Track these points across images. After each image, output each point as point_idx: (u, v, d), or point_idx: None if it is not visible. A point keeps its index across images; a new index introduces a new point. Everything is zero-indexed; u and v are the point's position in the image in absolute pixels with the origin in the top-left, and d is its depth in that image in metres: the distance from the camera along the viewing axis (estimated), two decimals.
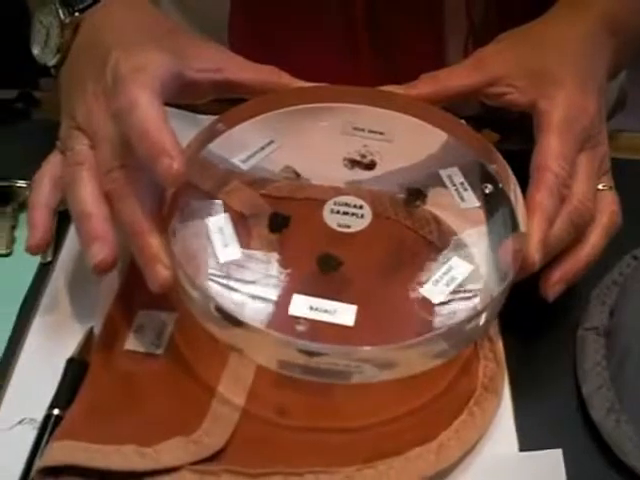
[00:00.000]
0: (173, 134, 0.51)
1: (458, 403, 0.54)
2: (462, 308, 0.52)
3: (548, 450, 0.53)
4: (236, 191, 0.59)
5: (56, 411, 0.53)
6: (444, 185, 0.58)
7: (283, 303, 0.51)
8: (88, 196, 0.53)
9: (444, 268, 0.54)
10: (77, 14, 0.60)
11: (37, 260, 0.61)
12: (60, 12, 0.61)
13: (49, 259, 0.61)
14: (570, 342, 0.59)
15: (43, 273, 0.61)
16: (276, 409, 0.53)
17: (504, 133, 0.73)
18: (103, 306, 0.58)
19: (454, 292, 0.53)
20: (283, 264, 0.54)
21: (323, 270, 0.54)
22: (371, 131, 0.61)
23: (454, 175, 0.58)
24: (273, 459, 0.51)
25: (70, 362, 0.55)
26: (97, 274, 0.53)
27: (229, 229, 0.55)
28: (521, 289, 0.54)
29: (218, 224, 0.55)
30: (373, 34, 0.71)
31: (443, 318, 0.52)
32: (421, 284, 0.53)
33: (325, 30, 0.71)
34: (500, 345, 0.57)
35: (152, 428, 0.51)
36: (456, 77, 0.60)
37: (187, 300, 0.52)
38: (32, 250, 0.56)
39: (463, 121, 0.60)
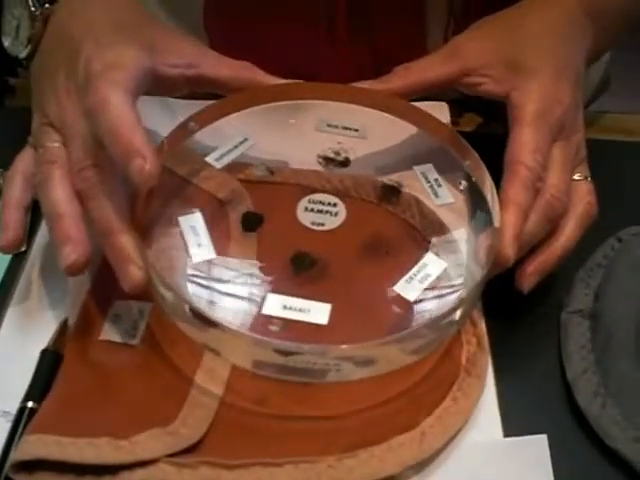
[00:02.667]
0: (145, 134, 0.50)
1: (441, 389, 0.53)
2: (437, 305, 0.52)
3: (533, 436, 0.53)
4: (212, 177, 0.59)
5: (30, 404, 0.52)
6: (419, 181, 0.58)
7: (257, 303, 0.51)
8: (60, 196, 0.53)
9: (418, 265, 0.54)
10: (47, 5, 0.60)
11: None
12: (30, 3, 0.60)
13: (23, 249, 0.60)
14: (554, 325, 0.59)
15: (16, 263, 0.60)
16: (255, 398, 0.52)
17: (487, 116, 0.73)
18: (77, 296, 0.56)
19: (429, 288, 0.53)
20: (257, 263, 0.54)
21: (297, 269, 0.53)
22: (345, 127, 0.61)
23: (428, 171, 0.59)
24: (253, 449, 0.50)
25: (44, 353, 0.54)
26: (68, 275, 0.53)
27: (202, 228, 0.54)
28: (504, 273, 0.54)
29: (191, 223, 0.55)
30: (353, 20, 0.71)
31: (418, 315, 0.52)
32: (395, 281, 0.53)
33: (304, 16, 0.71)
34: (483, 329, 0.56)
35: (128, 420, 0.50)
36: (430, 68, 0.60)
37: (160, 300, 0.52)
38: (4, 250, 0.56)
39: (447, 120, 0.62)
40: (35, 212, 0.59)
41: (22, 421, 0.51)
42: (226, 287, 0.53)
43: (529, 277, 0.56)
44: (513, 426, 0.53)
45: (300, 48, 0.71)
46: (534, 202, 0.55)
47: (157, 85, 0.56)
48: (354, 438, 0.51)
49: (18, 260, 0.60)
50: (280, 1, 0.70)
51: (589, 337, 0.57)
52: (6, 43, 0.62)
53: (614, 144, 0.72)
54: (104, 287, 0.55)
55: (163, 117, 0.63)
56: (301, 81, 0.61)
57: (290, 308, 0.51)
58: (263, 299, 0.51)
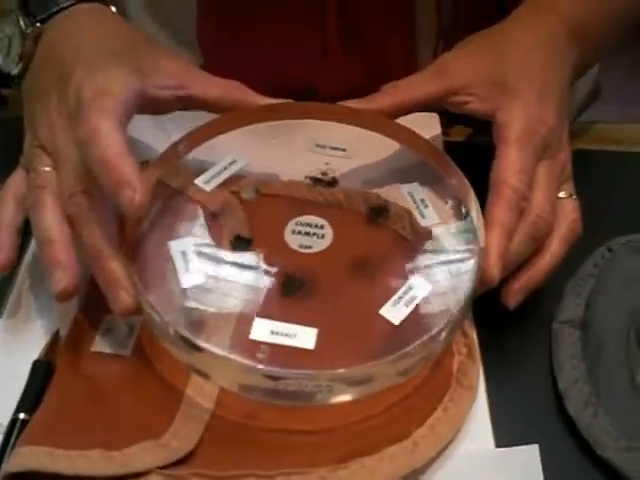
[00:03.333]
0: (134, 164, 0.51)
1: (432, 399, 0.53)
2: (424, 326, 0.52)
3: (524, 446, 0.53)
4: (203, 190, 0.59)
5: (22, 415, 0.52)
6: (406, 201, 0.58)
7: (245, 327, 0.51)
8: (50, 221, 0.53)
9: (404, 287, 0.54)
10: (38, 24, 0.60)
11: None
12: (21, 22, 0.60)
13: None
14: (545, 335, 0.59)
15: (8, 275, 0.59)
16: (246, 412, 0.52)
17: (477, 127, 0.73)
18: (69, 307, 0.56)
19: (416, 309, 0.53)
20: (245, 287, 0.54)
21: (285, 292, 0.54)
22: (333, 148, 0.61)
23: (415, 191, 0.59)
24: (244, 461, 0.50)
25: (36, 365, 0.54)
26: (59, 301, 0.53)
27: (192, 252, 0.54)
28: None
29: (181, 248, 0.55)
30: (344, 33, 0.71)
31: (406, 337, 0.51)
32: (382, 304, 0.53)
33: (297, 30, 0.71)
34: (474, 339, 0.56)
35: (120, 431, 0.50)
36: (418, 87, 0.60)
37: (149, 322, 0.52)
38: None
39: (438, 135, 0.63)
40: (26, 224, 0.59)
41: (14, 433, 0.51)
42: (214, 312, 0.53)
43: (515, 294, 0.56)
44: (505, 436, 0.53)
45: (292, 62, 0.71)
46: (519, 222, 0.55)
47: (148, 106, 0.57)
48: (346, 449, 0.51)
49: (10, 272, 0.59)
50: (272, 15, 0.70)
51: (580, 347, 0.57)
52: None
53: (604, 154, 0.72)
54: (96, 298, 0.55)
55: (152, 128, 0.63)
56: (290, 101, 0.61)
57: (277, 333, 0.51)
58: (251, 323, 0.51)
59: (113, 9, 0.63)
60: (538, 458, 0.52)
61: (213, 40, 0.74)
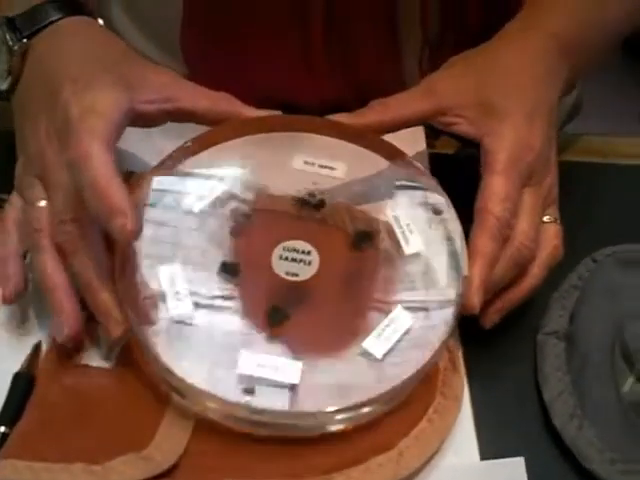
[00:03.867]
0: (124, 189, 0.51)
1: (417, 411, 0.53)
2: (405, 360, 0.52)
3: (510, 458, 0.52)
4: None
5: (2, 428, 0.51)
6: (391, 226, 0.58)
7: (231, 361, 0.51)
8: (50, 268, 0.53)
9: (386, 320, 0.54)
10: (25, 40, 0.59)
11: None
12: (7, 37, 0.60)
13: None
14: (530, 347, 0.59)
15: None
16: (228, 417, 0.51)
17: (464, 140, 0.73)
18: (51, 319, 0.55)
19: (398, 343, 0.53)
20: (231, 317, 0.54)
21: (271, 324, 0.53)
22: (322, 166, 0.60)
23: (401, 215, 0.58)
24: (229, 473, 0.50)
25: (17, 377, 0.53)
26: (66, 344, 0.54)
27: (181, 279, 0.54)
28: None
29: (171, 274, 0.54)
30: (329, 48, 0.71)
31: (387, 372, 0.52)
32: (364, 337, 0.53)
33: (280, 43, 0.71)
34: (459, 354, 0.57)
35: (102, 444, 0.50)
36: (406, 105, 0.60)
37: (138, 346, 0.53)
38: (8, 301, 0.56)
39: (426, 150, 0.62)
40: None
41: None
42: (199, 342, 0.52)
43: (492, 315, 0.57)
44: (490, 449, 0.53)
45: (277, 75, 0.71)
46: (503, 249, 0.55)
47: (137, 120, 0.57)
48: (332, 460, 0.50)
49: None
50: (257, 28, 0.70)
51: (565, 359, 0.57)
52: None
53: (589, 166, 0.72)
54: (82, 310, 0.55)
55: (139, 140, 0.63)
56: (279, 112, 0.61)
57: (263, 366, 0.51)
58: (237, 356, 0.51)
59: (100, 22, 0.63)
60: (524, 471, 0.52)
61: (197, 51, 0.73)
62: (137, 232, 0.51)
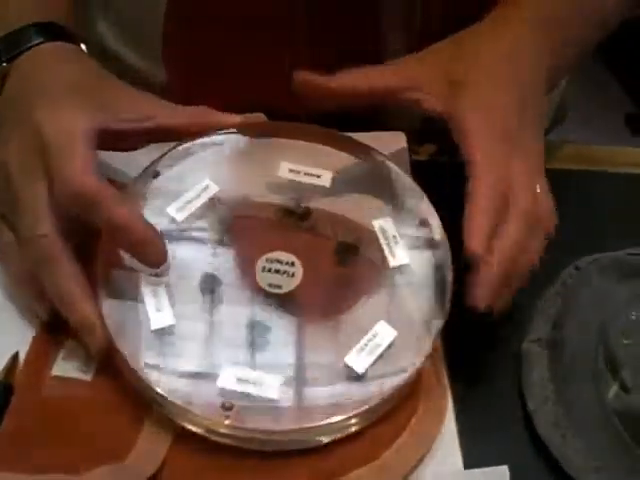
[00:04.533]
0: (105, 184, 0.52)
1: (400, 423, 0.52)
2: (388, 374, 0.52)
3: (494, 467, 0.52)
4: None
5: None
6: (376, 237, 0.58)
7: (212, 375, 0.51)
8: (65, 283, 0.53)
9: (369, 335, 0.53)
10: (4, 64, 0.59)
11: None
12: None
13: None
14: (514, 355, 0.59)
15: None
16: (208, 431, 0.51)
17: (445, 147, 0.73)
18: (29, 329, 0.55)
19: (380, 357, 0.53)
20: (212, 332, 0.53)
21: (252, 338, 0.53)
22: (307, 174, 0.60)
23: (387, 226, 0.58)
24: None
25: None
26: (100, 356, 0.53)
27: (163, 292, 0.53)
28: (463, 302, 0.54)
29: (153, 286, 0.54)
30: (314, 57, 0.70)
31: (369, 387, 0.52)
32: (347, 351, 0.52)
33: (264, 47, 0.70)
34: (442, 364, 0.56)
35: (81, 455, 0.50)
36: (375, 77, 0.60)
37: (118, 360, 0.52)
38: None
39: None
40: None
41: None
42: (180, 356, 0.52)
43: (507, 295, 0.55)
44: (474, 458, 0.53)
45: (260, 81, 0.71)
46: (507, 213, 0.54)
47: (114, 142, 0.56)
48: (313, 472, 0.50)
49: None
50: (240, 37, 0.70)
51: (549, 367, 0.57)
52: None
53: (572, 174, 0.73)
54: (57, 321, 0.54)
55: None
56: (261, 114, 0.61)
57: (244, 380, 0.50)
58: (218, 370, 0.51)
59: (83, 47, 0.62)
60: (508, 479, 0.51)
61: (179, 60, 0.73)
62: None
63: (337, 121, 0.65)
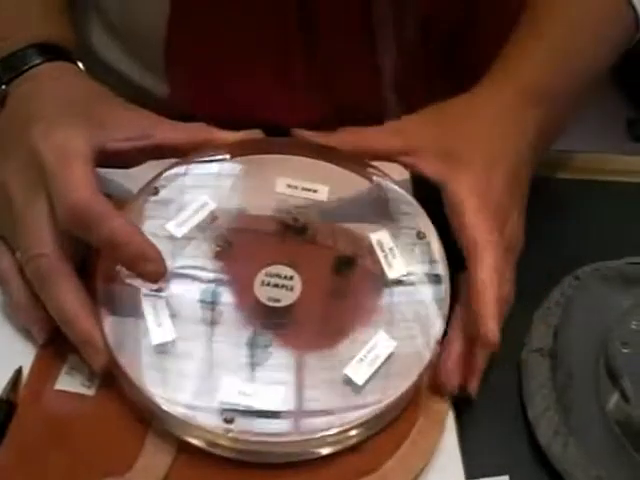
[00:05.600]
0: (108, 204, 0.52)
1: (401, 433, 0.53)
2: (388, 385, 0.52)
3: (495, 477, 0.52)
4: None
5: None
6: (374, 250, 0.58)
7: (213, 388, 0.51)
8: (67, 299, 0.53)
9: (368, 346, 0.53)
10: (4, 87, 0.59)
11: None
12: None
13: None
14: (514, 364, 0.59)
15: None
16: (210, 444, 0.51)
17: None
18: (32, 345, 0.56)
19: (380, 369, 0.53)
20: (213, 346, 0.53)
21: (253, 351, 0.53)
22: (305, 189, 0.61)
23: (384, 239, 0.58)
24: None
25: None
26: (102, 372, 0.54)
27: (164, 308, 0.54)
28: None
29: (153, 301, 0.54)
30: (309, 68, 0.71)
31: (369, 398, 0.52)
32: (346, 363, 0.53)
33: (262, 62, 0.71)
34: None
35: (83, 469, 0.50)
36: (374, 139, 0.61)
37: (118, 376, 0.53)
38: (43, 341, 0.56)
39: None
40: None
41: None
42: (181, 370, 0.52)
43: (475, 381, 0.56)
44: (475, 467, 0.53)
45: (258, 93, 0.71)
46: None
47: (112, 160, 0.57)
48: None
49: None
50: (238, 48, 0.70)
51: (549, 376, 0.57)
52: None
53: (572, 183, 0.73)
54: (59, 337, 0.54)
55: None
56: (258, 131, 0.61)
57: (245, 394, 0.51)
58: (218, 384, 0.51)
59: (80, 65, 0.63)
60: None
61: (180, 70, 0.73)
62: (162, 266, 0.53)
63: (332, 130, 0.65)
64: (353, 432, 0.51)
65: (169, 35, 0.71)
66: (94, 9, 0.76)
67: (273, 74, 0.71)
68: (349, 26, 0.69)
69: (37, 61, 0.60)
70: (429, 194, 0.60)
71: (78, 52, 0.64)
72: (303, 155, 0.61)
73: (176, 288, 0.55)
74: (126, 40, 0.76)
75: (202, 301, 0.55)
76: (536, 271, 0.63)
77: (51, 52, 0.61)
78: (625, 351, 0.57)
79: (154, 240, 0.54)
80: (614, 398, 0.56)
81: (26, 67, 0.59)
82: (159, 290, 0.54)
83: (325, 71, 0.71)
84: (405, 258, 0.57)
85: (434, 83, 0.73)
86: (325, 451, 0.51)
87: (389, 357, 0.53)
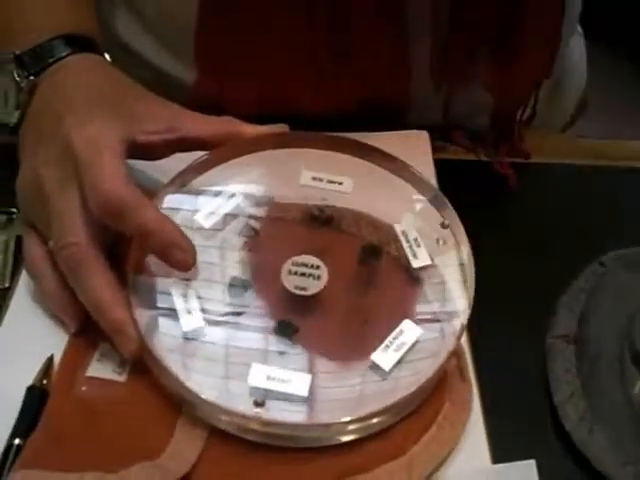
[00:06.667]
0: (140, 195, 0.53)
1: (427, 418, 0.53)
2: (414, 371, 0.53)
3: (521, 461, 0.53)
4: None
5: (17, 440, 0.51)
6: (399, 240, 0.59)
7: (242, 372, 0.52)
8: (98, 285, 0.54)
9: (395, 332, 0.54)
10: (32, 78, 0.60)
11: None
12: (15, 74, 0.61)
13: (7, 285, 0.60)
14: (540, 351, 0.59)
15: (1, 299, 0.59)
16: (240, 428, 0.52)
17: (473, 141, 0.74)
18: (63, 333, 0.57)
19: (406, 355, 0.54)
20: (241, 332, 0.54)
21: (280, 338, 0.54)
22: (330, 181, 0.61)
23: (408, 230, 0.59)
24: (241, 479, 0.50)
25: (30, 390, 0.54)
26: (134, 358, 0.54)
27: (193, 295, 0.55)
28: (488, 299, 0.55)
29: (183, 290, 0.55)
30: (337, 54, 0.71)
31: (396, 383, 0.52)
32: (373, 349, 0.53)
33: (289, 50, 0.71)
34: (467, 361, 0.57)
35: (116, 454, 0.51)
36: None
37: (150, 362, 0.54)
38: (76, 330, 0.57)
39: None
40: (21, 247, 0.59)
41: (9, 458, 0.51)
42: (211, 356, 0.53)
43: None
44: (501, 452, 0.53)
45: (286, 78, 0.72)
46: None
47: (142, 153, 0.58)
48: (342, 467, 0.51)
49: (2, 297, 0.59)
50: (267, 35, 0.70)
51: (574, 362, 0.57)
52: None
53: (596, 169, 0.73)
54: (90, 324, 0.55)
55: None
56: (284, 125, 0.62)
57: (273, 379, 0.51)
58: (248, 370, 0.52)
59: (107, 57, 0.63)
60: (535, 474, 0.52)
61: (209, 55, 0.73)
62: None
63: (358, 119, 0.66)
64: (379, 418, 0.51)
65: (199, 23, 0.70)
66: None
67: (301, 62, 0.71)
68: (380, 13, 0.69)
69: (64, 53, 0.60)
70: (453, 184, 0.61)
71: (104, 41, 0.65)
72: (327, 149, 0.62)
73: (205, 276, 0.56)
74: (155, 28, 0.76)
75: (231, 289, 0.56)
76: (561, 258, 0.64)
77: (78, 43, 0.61)
78: None
79: (183, 230, 0.55)
80: (639, 384, 0.56)
81: (53, 59, 0.60)
82: (189, 279, 0.55)
83: (352, 55, 0.71)
84: (429, 247, 0.58)
85: (472, 68, 0.72)
86: (351, 437, 0.52)
87: (415, 343, 0.54)
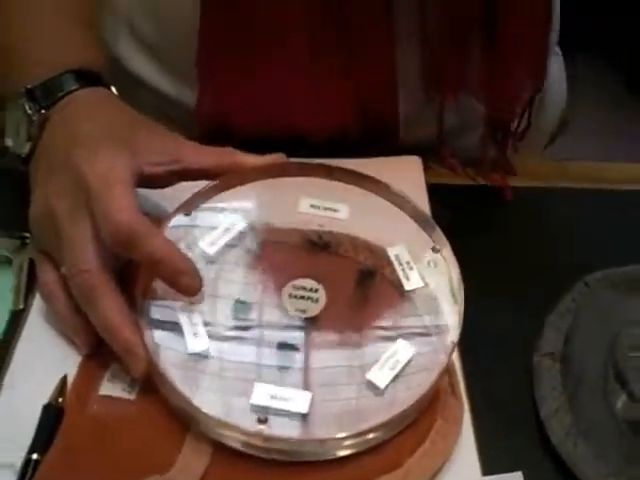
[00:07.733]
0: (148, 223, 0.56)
1: (421, 433, 0.56)
2: (409, 387, 0.56)
3: (509, 473, 0.55)
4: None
5: (35, 456, 0.54)
6: (392, 263, 0.62)
7: (245, 392, 0.55)
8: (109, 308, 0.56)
9: (389, 352, 0.57)
10: (43, 111, 0.62)
11: (8, 307, 0.62)
12: (27, 107, 0.63)
13: (21, 306, 0.62)
14: (527, 368, 0.61)
15: (16, 320, 0.61)
16: (244, 444, 0.54)
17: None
18: (76, 353, 0.59)
19: (400, 373, 0.56)
20: (245, 353, 0.57)
21: (281, 358, 0.57)
22: (327, 208, 0.64)
23: (401, 254, 0.62)
24: None
25: (47, 408, 0.56)
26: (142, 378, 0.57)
27: (199, 319, 0.57)
28: (477, 318, 0.57)
29: (189, 313, 0.58)
30: (336, 67, 0.73)
31: (392, 400, 0.55)
32: (368, 368, 0.56)
33: (288, 70, 0.73)
34: (458, 377, 0.59)
35: (127, 468, 0.53)
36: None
37: (158, 382, 0.56)
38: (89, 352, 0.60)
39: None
40: (34, 269, 0.61)
41: (27, 473, 0.53)
42: (217, 376, 0.56)
43: None
44: (491, 465, 0.56)
45: (286, 103, 0.74)
46: None
47: (147, 182, 0.60)
48: (338, 479, 0.54)
49: (18, 317, 0.62)
50: (267, 50, 0.71)
51: (560, 379, 0.60)
52: (9, 143, 0.65)
53: (579, 191, 0.75)
54: (101, 346, 0.58)
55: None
56: (282, 155, 0.65)
57: (276, 397, 0.54)
58: (251, 388, 0.55)
59: (113, 90, 0.66)
60: None
61: (211, 76, 0.74)
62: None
63: (355, 140, 0.69)
64: (375, 434, 0.54)
65: (200, 45, 0.72)
66: (123, 23, 0.78)
67: (300, 74, 0.72)
68: (371, 17, 0.70)
69: (74, 87, 0.63)
70: (445, 207, 0.63)
71: (108, 68, 0.67)
72: (323, 177, 0.65)
73: (210, 300, 0.59)
74: (156, 51, 0.78)
75: (234, 310, 0.59)
76: (547, 278, 0.66)
77: (86, 78, 0.64)
78: (632, 355, 0.59)
79: (189, 254, 0.58)
80: (622, 399, 0.58)
81: (63, 92, 0.63)
82: (194, 302, 0.58)
83: (351, 70, 0.73)
84: (421, 270, 0.61)
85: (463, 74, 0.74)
86: (348, 451, 0.54)
87: (409, 362, 0.57)
